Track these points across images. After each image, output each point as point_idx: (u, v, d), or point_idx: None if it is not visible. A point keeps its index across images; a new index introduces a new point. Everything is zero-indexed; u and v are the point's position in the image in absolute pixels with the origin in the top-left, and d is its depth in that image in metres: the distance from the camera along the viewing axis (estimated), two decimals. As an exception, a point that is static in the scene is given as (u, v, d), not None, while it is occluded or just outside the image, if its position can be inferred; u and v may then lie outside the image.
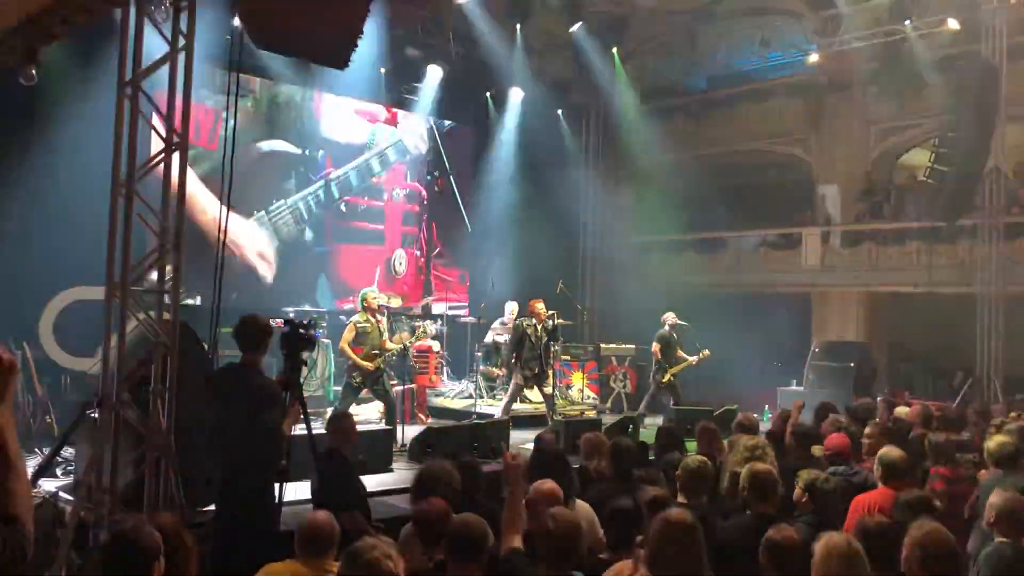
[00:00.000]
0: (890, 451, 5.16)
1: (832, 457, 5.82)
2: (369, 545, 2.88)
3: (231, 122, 6.32)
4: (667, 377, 11.59)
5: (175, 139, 5.35)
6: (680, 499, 4.91)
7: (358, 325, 9.18)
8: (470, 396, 12.32)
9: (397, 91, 14.49)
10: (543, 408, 11.07)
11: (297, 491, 5.54)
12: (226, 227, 5.77)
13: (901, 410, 8.27)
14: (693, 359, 11.74)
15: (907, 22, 12.97)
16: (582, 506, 4.67)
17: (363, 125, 14.54)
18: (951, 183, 11.30)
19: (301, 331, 5.19)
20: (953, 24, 12.57)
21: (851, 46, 14.28)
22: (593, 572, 3.64)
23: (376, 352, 9.13)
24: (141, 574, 2.78)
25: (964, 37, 12.79)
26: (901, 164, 16.39)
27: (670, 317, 11.87)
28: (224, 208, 5.80)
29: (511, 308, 12.73)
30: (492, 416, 10.38)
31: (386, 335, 9.45)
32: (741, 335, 14.21)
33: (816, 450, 6.29)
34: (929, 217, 12.98)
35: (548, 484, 4.28)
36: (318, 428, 5.97)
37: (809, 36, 14.66)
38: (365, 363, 9.00)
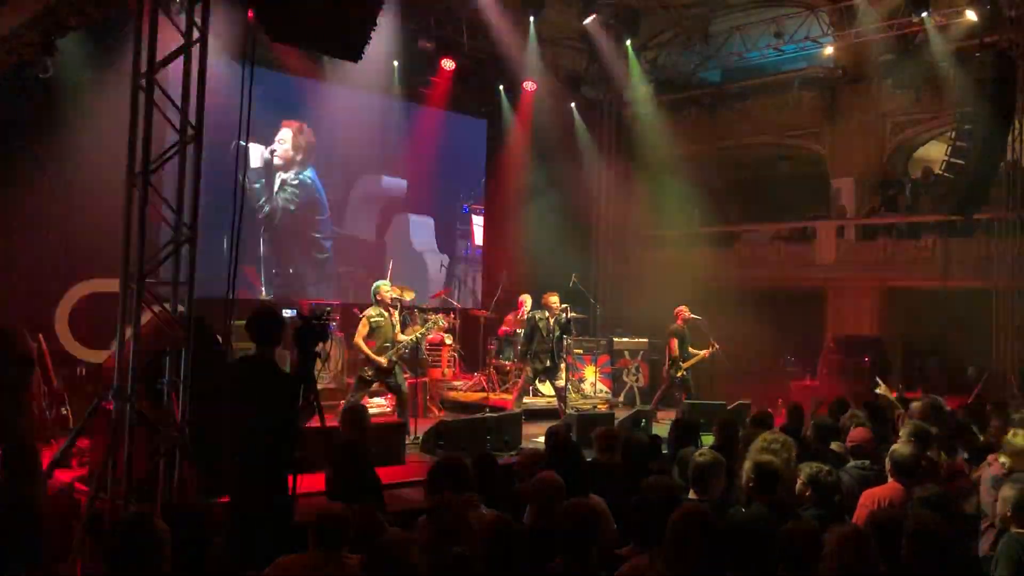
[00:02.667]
0: (901, 447, 5.14)
1: (855, 450, 5.78)
2: (392, 542, 2.87)
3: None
4: (680, 372, 11.56)
5: (190, 131, 5.36)
6: (692, 494, 4.90)
7: (371, 320, 9.13)
8: (483, 389, 12.32)
9: (410, 84, 14.49)
10: (555, 402, 11.07)
11: (312, 483, 5.55)
12: (240, 220, 5.76)
13: (915, 405, 8.19)
14: (704, 352, 11.70)
15: (923, 14, 12.85)
16: (595, 500, 4.66)
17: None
18: (967, 177, 11.19)
19: (314, 323, 5.20)
20: (970, 16, 12.44)
21: (866, 38, 14.17)
22: (609, 568, 3.63)
23: (389, 345, 9.12)
24: (145, 564, 2.78)
25: (981, 29, 12.66)
26: (917, 157, 16.26)
27: (683, 311, 11.83)
28: (238, 201, 5.79)
29: (524, 300, 12.74)
30: (505, 409, 10.38)
31: (398, 328, 9.42)
32: (754, 329, 14.16)
33: (835, 445, 6.27)
34: (945, 211, 12.86)
35: (548, 475, 4.27)
36: (331, 420, 5.98)
37: (824, 28, 14.55)
38: (379, 359, 8.98)
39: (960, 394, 12.04)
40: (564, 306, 10.76)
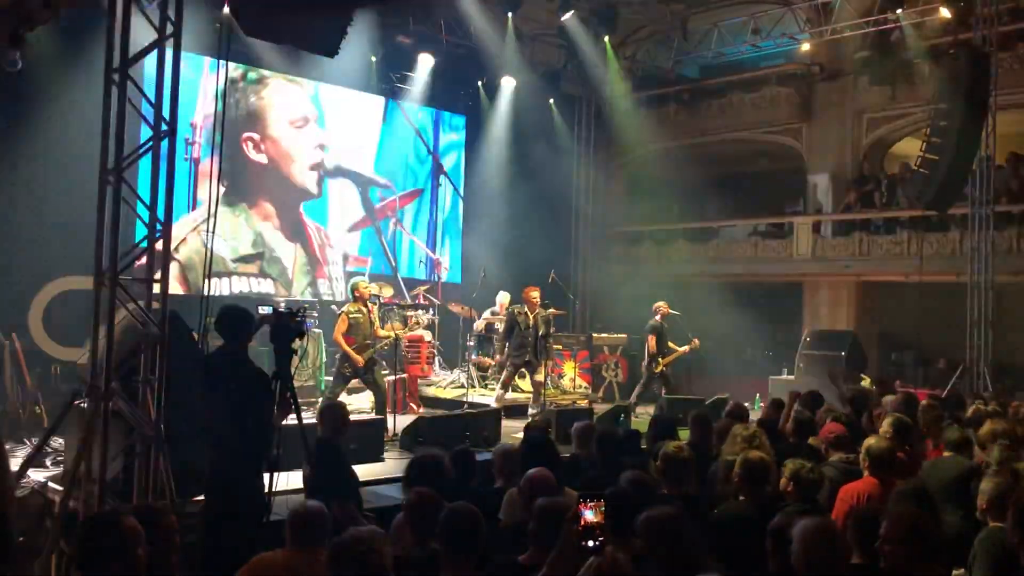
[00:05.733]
0: (877, 441, 5.16)
1: (834, 444, 5.80)
2: (355, 538, 2.86)
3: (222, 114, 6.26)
4: (659, 367, 11.61)
5: (164, 126, 5.30)
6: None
7: (350, 316, 9.18)
8: (462, 386, 12.31)
9: (388, 80, 14.43)
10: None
11: (289, 480, 5.52)
12: (215, 213, 5.72)
13: (888, 398, 8.26)
14: (684, 348, 11.77)
15: (899, 11, 12.96)
16: (570, 494, 4.66)
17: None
18: (942, 172, 11.28)
19: (291, 320, 5.17)
20: (945, 12, 12.56)
21: (843, 35, 14.28)
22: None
23: (368, 342, 9.13)
24: (115, 564, 2.75)
25: (956, 25, 12.78)
26: (892, 153, 16.41)
27: (662, 307, 11.89)
28: (215, 195, 5.76)
29: (501, 298, 12.75)
30: (484, 406, 10.39)
31: (377, 324, 9.45)
32: (732, 324, 14.25)
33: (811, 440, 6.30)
34: (920, 206, 12.98)
35: (540, 472, 4.27)
36: (309, 417, 5.96)
37: (801, 25, 14.64)
38: (357, 357, 9.01)
39: (934, 387, 12.18)
40: (547, 305, 10.86)
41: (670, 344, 11.82)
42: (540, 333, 10.61)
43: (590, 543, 2.85)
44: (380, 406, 9.31)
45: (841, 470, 5.41)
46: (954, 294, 13.25)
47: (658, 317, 11.82)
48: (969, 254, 12.96)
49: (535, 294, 10.75)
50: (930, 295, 13.34)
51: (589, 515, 2.89)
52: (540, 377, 10.87)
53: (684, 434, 6.75)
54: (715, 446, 5.94)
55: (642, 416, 11.06)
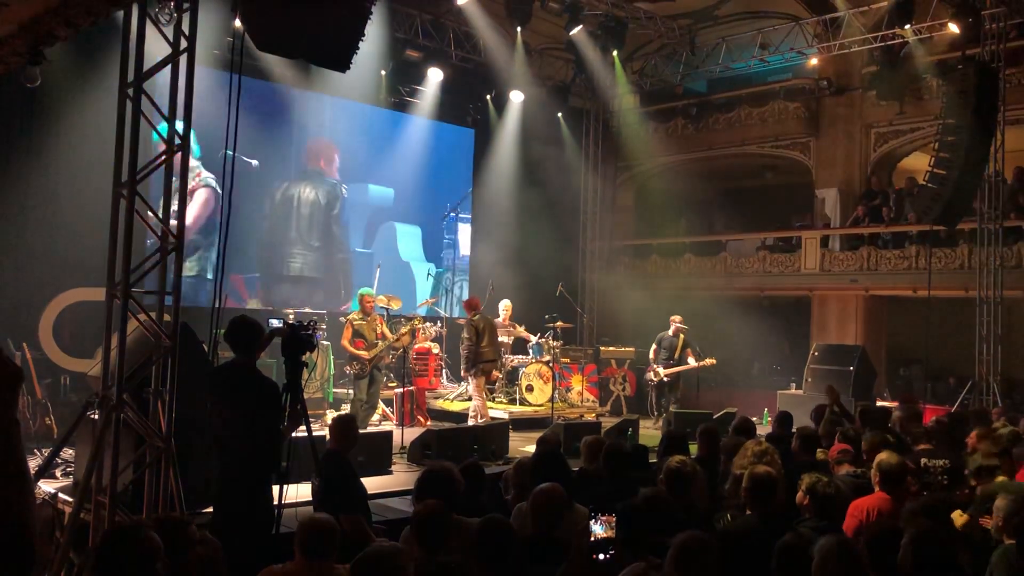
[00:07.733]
0: (888, 457, 5.15)
1: (838, 460, 5.80)
2: (379, 554, 2.86)
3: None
4: (659, 377, 11.74)
5: (177, 141, 5.35)
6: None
7: (354, 323, 9.85)
8: (469, 398, 12.31)
9: (398, 93, 14.51)
10: (542, 411, 11.26)
11: (298, 492, 5.54)
12: (227, 228, 5.75)
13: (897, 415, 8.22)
14: (697, 364, 11.82)
15: (907, 25, 12.98)
16: (580, 510, 4.66)
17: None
18: (950, 187, 11.28)
19: (301, 333, 5.19)
20: (953, 28, 12.58)
21: (851, 49, 14.31)
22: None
23: (375, 342, 9.88)
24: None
25: (963, 41, 12.80)
26: (900, 168, 16.40)
27: (676, 320, 11.95)
28: (226, 208, 5.78)
29: (503, 307, 12.80)
30: (492, 419, 10.41)
31: (386, 330, 10.14)
32: (740, 338, 14.24)
33: (819, 453, 6.30)
34: (928, 221, 12.98)
35: (550, 487, 4.28)
36: (318, 430, 5.98)
37: (809, 40, 14.67)
38: (364, 354, 9.74)
39: (943, 403, 12.14)
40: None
41: (689, 356, 11.90)
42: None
43: (600, 556, 2.86)
44: (364, 414, 9.80)
45: (851, 484, 5.40)
46: (963, 309, 13.22)
47: (670, 330, 11.88)
48: (978, 269, 12.95)
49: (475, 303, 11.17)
50: (939, 310, 13.32)
51: (599, 529, 2.90)
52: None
53: (694, 448, 6.75)
54: (723, 460, 5.94)
55: (653, 429, 11.09)
